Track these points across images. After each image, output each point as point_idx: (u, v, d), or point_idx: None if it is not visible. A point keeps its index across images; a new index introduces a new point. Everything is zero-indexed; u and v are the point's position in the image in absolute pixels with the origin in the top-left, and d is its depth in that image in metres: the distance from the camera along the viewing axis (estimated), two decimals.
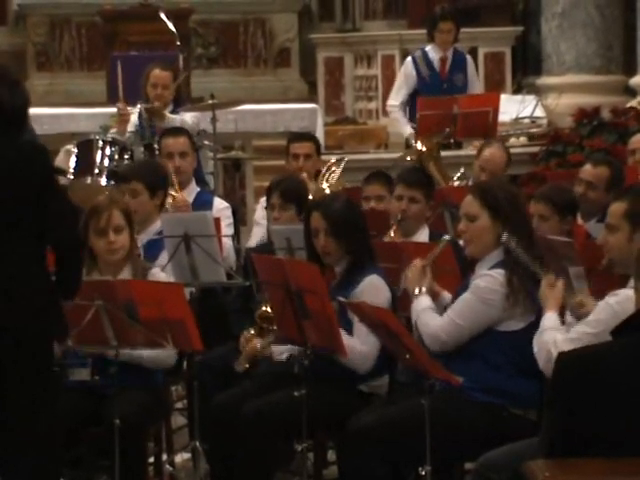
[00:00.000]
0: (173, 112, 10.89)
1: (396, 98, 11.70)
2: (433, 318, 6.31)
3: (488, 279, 6.17)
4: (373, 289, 6.67)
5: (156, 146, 9.99)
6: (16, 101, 6.06)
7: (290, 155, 9.59)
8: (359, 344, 6.71)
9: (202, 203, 8.98)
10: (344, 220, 6.89)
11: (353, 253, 6.83)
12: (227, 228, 9.11)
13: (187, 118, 10.71)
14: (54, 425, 6.14)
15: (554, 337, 5.81)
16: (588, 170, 7.24)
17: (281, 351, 6.83)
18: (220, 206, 9.24)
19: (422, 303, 6.26)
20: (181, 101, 11.11)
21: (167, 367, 7.12)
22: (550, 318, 5.87)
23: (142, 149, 10.15)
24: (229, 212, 9.33)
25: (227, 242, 9.08)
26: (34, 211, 6.08)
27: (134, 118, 10.76)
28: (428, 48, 11.85)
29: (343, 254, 7.04)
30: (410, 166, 8.93)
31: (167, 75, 10.78)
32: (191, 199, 9.06)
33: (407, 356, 6.20)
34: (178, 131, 9.45)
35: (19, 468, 5.94)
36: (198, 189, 9.20)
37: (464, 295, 6.23)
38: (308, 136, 10.20)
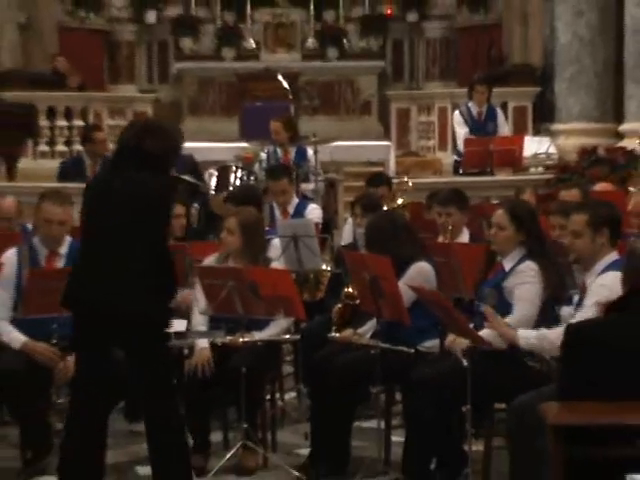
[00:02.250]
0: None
1: (462, 135, 11.60)
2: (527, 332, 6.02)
3: (529, 265, 5.98)
4: (417, 272, 6.49)
5: None
6: (155, 149, 5.79)
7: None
8: None
9: (300, 209, 9.01)
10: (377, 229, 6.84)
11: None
12: (317, 218, 9.14)
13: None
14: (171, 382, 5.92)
15: (541, 333, 5.63)
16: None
17: (365, 331, 6.67)
18: (312, 207, 9.27)
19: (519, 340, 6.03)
20: (296, 138, 11.02)
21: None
22: (523, 336, 5.69)
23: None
24: (318, 211, 9.36)
25: (316, 216, 9.22)
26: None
27: (263, 155, 10.72)
28: (470, 104, 11.70)
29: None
30: (444, 189, 8.81)
31: (279, 125, 10.71)
32: (292, 210, 8.98)
33: (453, 325, 5.99)
34: (279, 174, 9.31)
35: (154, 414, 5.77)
36: (297, 200, 9.08)
37: (523, 289, 6.04)
38: (380, 180, 10.10)
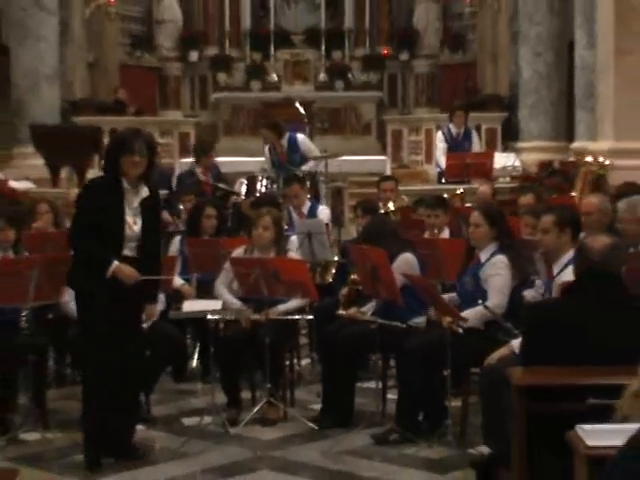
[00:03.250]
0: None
1: (442, 151, 11.57)
2: (478, 308, 6.07)
3: (500, 259, 5.98)
4: (403, 261, 6.49)
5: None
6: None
7: (380, 190, 9.44)
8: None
9: (313, 211, 8.95)
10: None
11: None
12: (326, 219, 8.96)
13: (306, 167, 10.59)
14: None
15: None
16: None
17: (367, 309, 6.66)
18: (322, 209, 9.26)
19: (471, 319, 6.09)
20: (283, 134, 10.97)
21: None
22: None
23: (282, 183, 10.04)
24: (327, 212, 9.28)
25: (326, 216, 9.12)
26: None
27: (266, 151, 10.75)
28: (450, 126, 11.68)
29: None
30: (431, 195, 8.86)
31: (265, 130, 10.77)
32: (306, 212, 8.88)
33: (436, 305, 6.02)
34: (291, 181, 9.31)
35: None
36: (309, 204, 9.03)
37: (495, 279, 6.07)
38: (389, 177, 10.13)
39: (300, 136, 11.09)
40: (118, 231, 5.65)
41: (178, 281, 7.41)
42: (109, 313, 5.62)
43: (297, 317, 6.99)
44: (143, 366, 6.11)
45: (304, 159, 10.73)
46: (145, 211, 5.76)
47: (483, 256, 6.25)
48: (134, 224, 5.70)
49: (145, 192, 5.76)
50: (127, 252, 5.69)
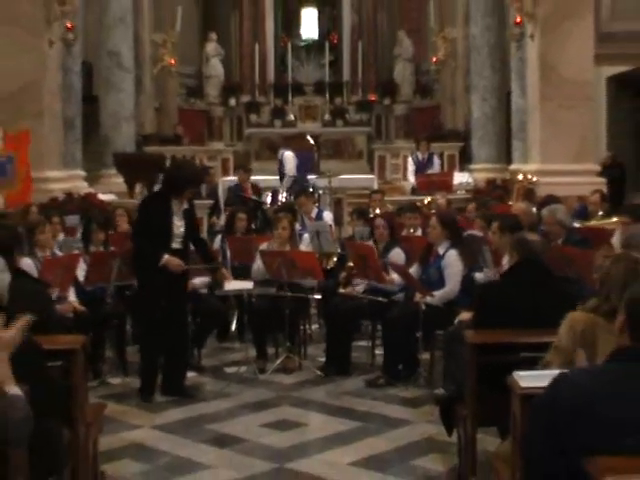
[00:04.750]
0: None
1: (412, 172, 11.48)
2: (442, 291, 6.08)
3: (452, 253, 5.97)
4: (396, 253, 6.47)
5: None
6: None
7: (370, 200, 9.40)
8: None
9: (319, 215, 8.75)
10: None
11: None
12: (330, 221, 8.76)
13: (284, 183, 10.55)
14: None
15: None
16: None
17: (361, 287, 6.65)
18: (326, 214, 9.03)
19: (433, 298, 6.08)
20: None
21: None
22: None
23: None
24: (330, 216, 9.10)
25: (330, 219, 8.87)
26: None
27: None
28: (418, 153, 11.60)
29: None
30: (408, 203, 8.80)
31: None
32: (314, 215, 8.63)
33: (413, 286, 6.02)
34: (299, 194, 9.05)
35: None
36: (317, 210, 8.94)
37: (450, 269, 6.08)
38: (378, 191, 10.06)
39: (287, 153, 11.03)
40: (168, 231, 5.84)
41: None
42: (161, 291, 5.80)
43: (310, 297, 6.96)
44: (186, 329, 6.17)
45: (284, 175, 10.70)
46: (186, 217, 5.94)
47: (440, 250, 6.22)
48: (180, 226, 5.89)
49: (185, 204, 5.95)
50: (175, 245, 5.88)
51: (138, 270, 6.01)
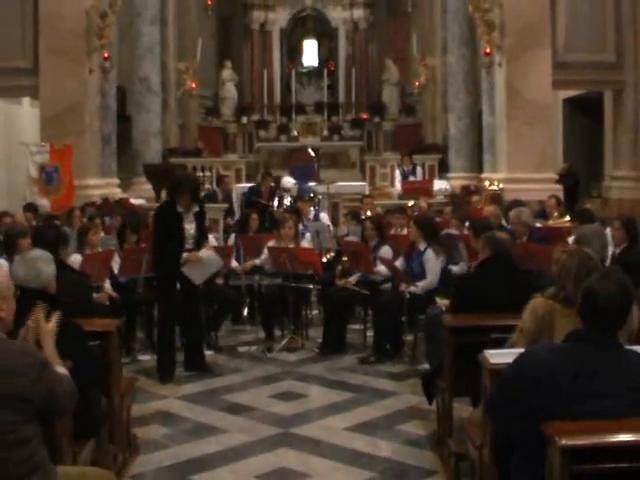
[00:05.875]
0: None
1: (398, 179, 11.46)
2: (424, 282, 6.05)
3: (428, 252, 5.97)
4: (385, 251, 6.46)
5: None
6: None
7: (362, 203, 9.22)
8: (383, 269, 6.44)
9: (316, 216, 8.66)
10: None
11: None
12: (327, 222, 8.73)
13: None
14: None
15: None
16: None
17: (354, 278, 6.64)
18: (324, 215, 9.03)
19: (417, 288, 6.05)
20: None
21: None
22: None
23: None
24: (326, 216, 9.09)
25: (327, 220, 8.83)
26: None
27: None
28: (403, 167, 11.56)
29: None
30: (395, 206, 8.77)
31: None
32: (312, 217, 8.51)
33: (398, 277, 6.00)
34: (300, 200, 9.06)
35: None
36: (314, 212, 8.90)
37: (429, 263, 6.06)
38: (369, 196, 9.99)
39: (285, 179, 10.81)
40: (180, 233, 5.76)
41: (233, 262, 7.33)
42: (175, 283, 5.77)
43: (311, 287, 6.98)
44: (199, 313, 6.03)
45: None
46: (197, 219, 5.84)
47: (421, 247, 6.22)
48: (190, 229, 5.79)
49: (196, 208, 5.84)
50: (188, 246, 5.79)
51: (157, 265, 5.88)
